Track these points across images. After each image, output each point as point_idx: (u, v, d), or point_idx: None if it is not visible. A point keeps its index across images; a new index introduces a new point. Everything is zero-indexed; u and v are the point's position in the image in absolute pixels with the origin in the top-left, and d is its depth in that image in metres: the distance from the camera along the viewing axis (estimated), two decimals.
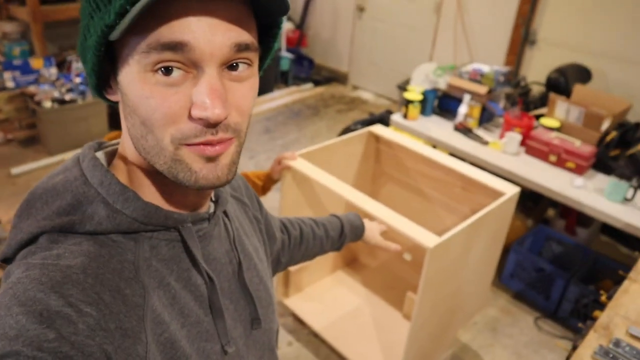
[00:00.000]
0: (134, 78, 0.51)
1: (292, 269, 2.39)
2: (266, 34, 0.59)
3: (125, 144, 0.59)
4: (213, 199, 0.69)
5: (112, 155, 0.64)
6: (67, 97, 3.50)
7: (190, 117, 0.51)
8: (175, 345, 0.57)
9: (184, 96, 0.50)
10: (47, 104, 3.42)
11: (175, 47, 0.48)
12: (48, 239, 0.54)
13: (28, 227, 0.56)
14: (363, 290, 2.57)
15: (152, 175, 0.59)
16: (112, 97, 0.58)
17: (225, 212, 0.71)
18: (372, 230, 1.25)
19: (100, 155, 0.63)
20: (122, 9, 0.47)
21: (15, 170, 3.35)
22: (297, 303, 2.41)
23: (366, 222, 1.26)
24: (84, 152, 0.60)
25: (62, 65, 3.87)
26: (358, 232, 1.21)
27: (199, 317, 0.61)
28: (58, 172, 0.60)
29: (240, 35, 0.51)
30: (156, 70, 0.50)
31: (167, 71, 0.50)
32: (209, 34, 0.49)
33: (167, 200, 0.60)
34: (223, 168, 0.55)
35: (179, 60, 0.49)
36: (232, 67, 0.53)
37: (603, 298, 1.40)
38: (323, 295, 2.48)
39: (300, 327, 2.43)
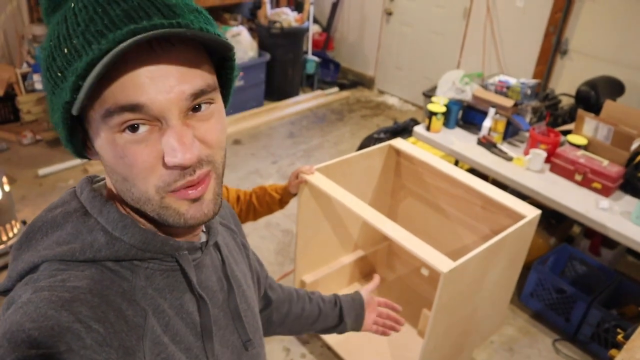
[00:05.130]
0: (105, 141, 0.53)
1: (308, 280, 2.38)
2: (223, 66, 0.61)
3: (114, 190, 0.61)
4: (204, 229, 0.72)
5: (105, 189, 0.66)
6: None
7: (164, 164, 0.53)
8: None
9: (155, 147, 0.53)
10: None
11: (133, 108, 0.51)
12: (49, 267, 0.56)
13: (29, 257, 0.58)
14: None
15: (143, 215, 0.61)
16: (94, 158, 0.60)
17: (216, 243, 0.73)
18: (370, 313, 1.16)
19: (101, 184, 0.65)
20: (75, 85, 0.50)
21: (42, 171, 3.43)
22: None
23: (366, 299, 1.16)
24: (81, 186, 0.63)
25: None
26: (357, 304, 1.13)
27: (190, 344, 0.64)
28: (56, 206, 0.62)
29: (195, 82, 0.53)
30: (123, 130, 0.52)
31: (134, 129, 0.52)
32: (164, 92, 0.51)
33: (161, 231, 0.63)
34: (208, 204, 0.58)
35: (141, 117, 0.52)
36: (194, 108, 0.55)
37: (620, 337, 1.36)
38: None
39: (315, 340, 2.43)
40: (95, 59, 0.48)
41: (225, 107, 0.63)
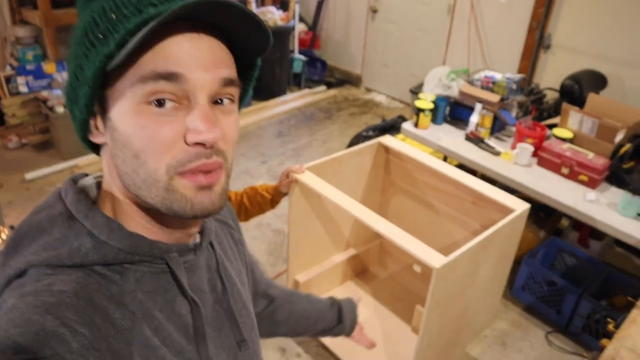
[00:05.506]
0: (128, 110, 0.53)
1: (301, 279, 2.39)
2: (244, 77, 0.64)
3: (111, 181, 0.61)
4: (198, 230, 0.71)
5: (99, 186, 0.65)
6: None
7: (184, 143, 0.53)
8: None
9: (178, 125, 0.53)
10: (60, 109, 3.45)
11: (170, 77, 0.52)
12: (36, 272, 0.55)
13: (16, 263, 0.57)
14: (372, 301, 2.56)
15: (140, 208, 0.60)
16: (98, 139, 0.59)
17: (210, 243, 0.72)
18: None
19: (89, 182, 0.64)
20: (122, 40, 0.51)
21: (29, 175, 3.39)
22: None
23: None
24: (65, 187, 0.61)
25: None
26: (352, 306, 1.17)
27: (181, 347, 0.63)
28: (41, 209, 0.61)
29: (227, 71, 0.56)
30: (150, 102, 0.52)
31: (160, 104, 0.53)
32: (201, 68, 0.53)
33: (152, 232, 0.61)
34: (217, 195, 0.57)
35: (172, 91, 0.52)
36: (217, 102, 0.57)
37: (611, 327, 1.38)
38: None
39: (309, 339, 2.43)
40: (150, 18, 0.50)
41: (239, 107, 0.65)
